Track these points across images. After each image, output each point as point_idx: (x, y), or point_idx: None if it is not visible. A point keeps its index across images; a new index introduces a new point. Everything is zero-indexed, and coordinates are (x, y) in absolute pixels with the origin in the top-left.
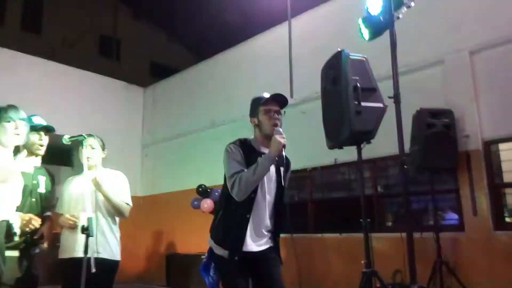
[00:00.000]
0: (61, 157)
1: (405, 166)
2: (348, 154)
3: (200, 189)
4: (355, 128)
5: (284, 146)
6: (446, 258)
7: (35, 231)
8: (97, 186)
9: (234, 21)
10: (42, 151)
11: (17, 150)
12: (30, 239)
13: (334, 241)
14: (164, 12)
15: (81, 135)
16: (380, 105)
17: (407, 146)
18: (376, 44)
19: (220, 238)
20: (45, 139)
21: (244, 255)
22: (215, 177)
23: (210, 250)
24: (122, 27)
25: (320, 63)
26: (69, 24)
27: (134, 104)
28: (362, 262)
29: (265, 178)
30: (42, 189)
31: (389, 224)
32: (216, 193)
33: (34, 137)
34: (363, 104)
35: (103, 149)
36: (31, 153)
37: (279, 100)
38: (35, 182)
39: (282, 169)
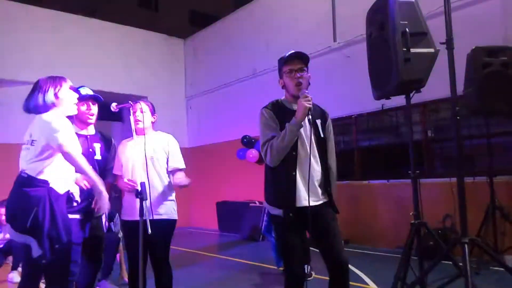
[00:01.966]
0: (112, 113)
1: (457, 108)
2: (396, 98)
3: (244, 140)
4: (404, 77)
5: (310, 109)
6: (500, 203)
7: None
8: (180, 185)
9: None
10: (92, 119)
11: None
12: (91, 204)
13: (381, 188)
14: None
15: (128, 102)
16: (431, 50)
17: (460, 88)
18: None
19: (272, 199)
20: (94, 109)
21: (299, 211)
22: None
23: (268, 212)
24: None
25: (365, 2)
26: None
27: (175, 56)
28: (411, 214)
29: (303, 134)
30: (98, 156)
31: (439, 169)
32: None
33: (83, 107)
34: (412, 50)
35: (153, 113)
36: (82, 122)
37: (300, 57)
38: (90, 150)
39: (319, 121)
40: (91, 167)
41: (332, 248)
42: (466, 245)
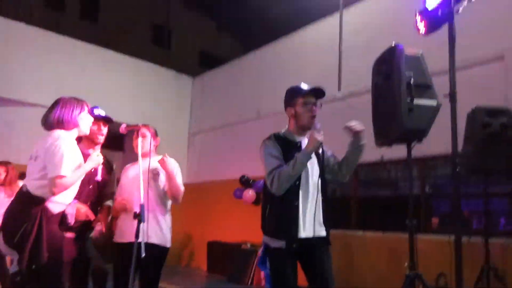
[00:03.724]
0: (114, 142)
1: (458, 169)
2: (395, 151)
3: (242, 179)
4: (407, 126)
5: (321, 144)
6: (495, 264)
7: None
8: (164, 165)
9: (284, 12)
10: (101, 140)
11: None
12: (85, 224)
13: (376, 239)
14: (214, 1)
15: (137, 125)
16: (434, 103)
17: (459, 147)
18: (432, 38)
19: (274, 230)
20: (104, 130)
21: (300, 242)
22: (258, 168)
23: (265, 245)
24: (174, 16)
25: (371, 57)
26: (124, 13)
27: (183, 93)
28: (406, 264)
29: (308, 165)
30: (99, 177)
31: (436, 225)
32: (259, 184)
33: (94, 127)
34: (416, 101)
35: (155, 137)
36: (90, 142)
37: (319, 93)
38: (92, 170)
39: (320, 151)
40: (77, 171)
41: (322, 280)
42: None
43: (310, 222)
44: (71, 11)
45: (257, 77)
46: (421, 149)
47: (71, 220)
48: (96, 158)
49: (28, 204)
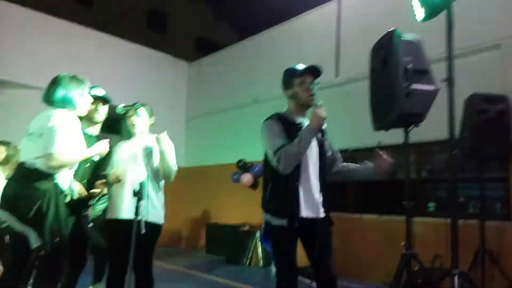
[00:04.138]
0: (112, 126)
1: (454, 153)
2: (392, 136)
3: (240, 163)
4: (404, 110)
5: (325, 119)
6: (490, 247)
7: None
8: (159, 142)
9: None
10: (100, 120)
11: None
12: (79, 201)
13: (373, 222)
14: None
15: (135, 104)
16: (432, 87)
17: (456, 132)
18: (429, 25)
19: (275, 209)
20: (102, 109)
21: (301, 221)
22: (255, 153)
23: (267, 223)
24: (170, 1)
25: (369, 43)
26: None
27: (179, 77)
28: (402, 244)
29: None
30: (96, 156)
31: (432, 209)
32: (256, 168)
33: (93, 107)
34: (413, 86)
35: (151, 116)
36: (89, 121)
37: (315, 72)
38: None
39: (320, 135)
40: (80, 152)
41: (324, 262)
42: (456, 277)
43: (311, 203)
44: None
45: (253, 63)
46: (417, 135)
47: (75, 196)
48: (103, 146)
49: (37, 180)
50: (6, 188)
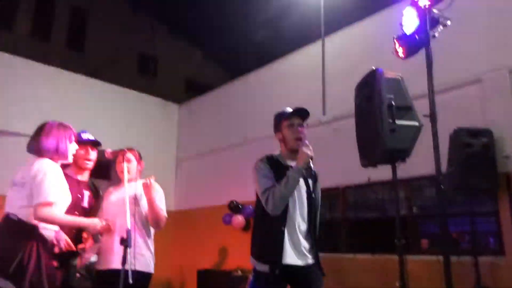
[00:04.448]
0: (99, 171)
1: (442, 187)
2: (382, 172)
3: (231, 205)
4: (389, 146)
5: (311, 157)
6: (485, 283)
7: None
8: (147, 189)
9: (268, 39)
10: (89, 165)
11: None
12: (68, 252)
13: (366, 261)
14: (199, 30)
15: (122, 149)
16: (416, 123)
17: (443, 167)
18: (411, 62)
19: (259, 254)
20: (92, 154)
21: (285, 269)
22: (246, 193)
23: (253, 268)
24: (159, 46)
25: (354, 81)
26: (110, 43)
27: (170, 119)
28: (396, 285)
29: (295, 191)
30: (85, 204)
31: (426, 246)
32: (248, 209)
33: (81, 152)
34: (397, 122)
35: (140, 161)
36: (78, 167)
37: (301, 114)
38: (79, 195)
39: (310, 181)
40: (72, 217)
41: None
42: None
43: (297, 248)
44: (57, 41)
45: (243, 103)
46: (406, 170)
47: (62, 246)
48: (97, 224)
49: (19, 232)
50: None
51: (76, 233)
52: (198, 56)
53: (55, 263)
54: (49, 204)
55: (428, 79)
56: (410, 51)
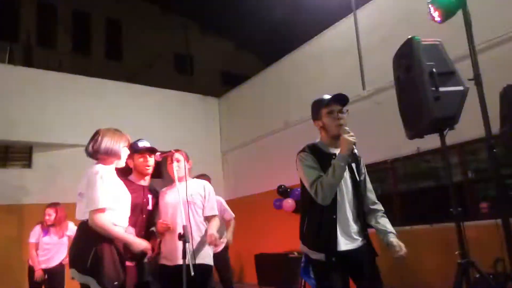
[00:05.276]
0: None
1: (494, 150)
2: (431, 140)
3: (280, 189)
4: (435, 115)
5: (354, 143)
6: None
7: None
8: (214, 240)
9: (299, 21)
10: (149, 170)
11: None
12: (140, 252)
13: (424, 232)
14: (229, 22)
15: (170, 151)
16: (461, 88)
17: (496, 128)
18: (449, 24)
19: (313, 243)
20: (150, 160)
21: (340, 255)
22: (293, 177)
23: (306, 255)
24: (193, 43)
25: (391, 51)
26: (146, 47)
27: (211, 114)
28: (456, 253)
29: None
30: (150, 207)
31: (484, 210)
32: (296, 192)
33: (141, 160)
34: (441, 89)
35: (188, 160)
36: (139, 173)
37: (341, 100)
38: (145, 200)
39: (354, 165)
40: (121, 232)
41: None
42: None
43: (349, 234)
44: (97, 53)
45: (280, 88)
46: (457, 135)
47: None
48: (141, 245)
49: (91, 234)
50: (70, 248)
51: (144, 234)
52: (232, 48)
53: (129, 260)
54: (100, 211)
55: (468, 40)
56: (446, 13)
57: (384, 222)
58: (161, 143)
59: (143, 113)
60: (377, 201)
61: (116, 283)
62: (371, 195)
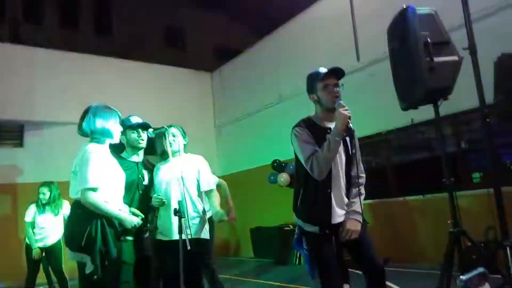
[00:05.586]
0: (147, 148)
1: (487, 120)
2: (425, 111)
3: (275, 164)
4: (429, 85)
5: (349, 117)
6: None
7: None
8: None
9: None
10: (143, 144)
11: (123, 148)
12: (140, 227)
13: (417, 203)
14: None
15: (163, 127)
16: (455, 58)
17: (490, 97)
18: None
19: (307, 216)
20: (143, 135)
21: (333, 227)
22: (287, 151)
23: (299, 227)
24: (184, 17)
25: (385, 22)
26: (136, 21)
27: (204, 88)
28: (448, 222)
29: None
30: (146, 182)
31: (477, 180)
32: (291, 167)
33: (134, 135)
34: (436, 59)
35: (184, 136)
36: (133, 149)
37: (337, 73)
38: (140, 176)
39: (348, 139)
40: (113, 209)
41: (367, 255)
42: (508, 248)
43: (341, 207)
44: (85, 27)
45: (273, 61)
46: (451, 106)
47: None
48: (134, 221)
49: (84, 213)
50: (65, 227)
51: (141, 209)
52: (224, 21)
53: (130, 238)
54: (91, 189)
55: (463, 9)
56: None
57: (354, 200)
58: (154, 119)
59: (135, 89)
60: (362, 174)
61: (107, 262)
62: (360, 166)
